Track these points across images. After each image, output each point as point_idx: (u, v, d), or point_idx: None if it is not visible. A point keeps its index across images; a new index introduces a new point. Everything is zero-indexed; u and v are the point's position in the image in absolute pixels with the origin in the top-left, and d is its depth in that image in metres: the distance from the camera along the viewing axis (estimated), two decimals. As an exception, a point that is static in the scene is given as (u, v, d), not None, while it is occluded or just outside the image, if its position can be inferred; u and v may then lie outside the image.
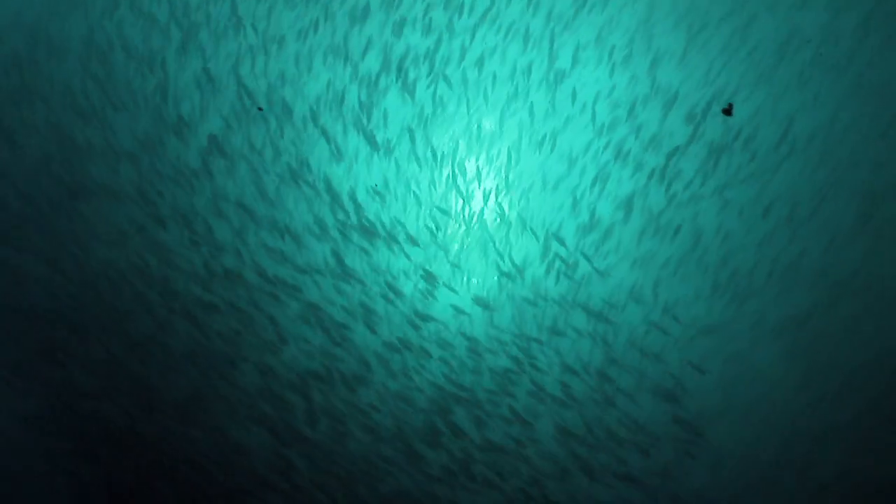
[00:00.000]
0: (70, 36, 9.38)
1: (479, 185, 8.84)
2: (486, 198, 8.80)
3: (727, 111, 7.77)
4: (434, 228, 8.83)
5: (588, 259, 8.61)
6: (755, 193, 8.15)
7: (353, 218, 8.77)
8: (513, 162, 8.75)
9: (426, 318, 8.71)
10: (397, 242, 8.78)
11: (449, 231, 8.85)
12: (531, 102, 8.63)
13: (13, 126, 9.44)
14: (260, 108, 8.83)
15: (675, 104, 8.32)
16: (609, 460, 8.45)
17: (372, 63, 8.84)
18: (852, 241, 7.98)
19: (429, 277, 8.73)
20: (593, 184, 8.59)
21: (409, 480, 8.65)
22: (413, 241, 8.77)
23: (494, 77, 8.68)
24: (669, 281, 8.39)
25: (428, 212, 8.79)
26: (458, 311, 8.77)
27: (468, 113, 8.76)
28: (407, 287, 8.78)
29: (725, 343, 8.26)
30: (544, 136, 8.65)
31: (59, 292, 9.30)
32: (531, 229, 8.72)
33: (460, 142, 8.82)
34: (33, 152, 9.42)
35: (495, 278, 8.80)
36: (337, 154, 8.84)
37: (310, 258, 8.87)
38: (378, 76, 8.81)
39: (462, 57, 8.70)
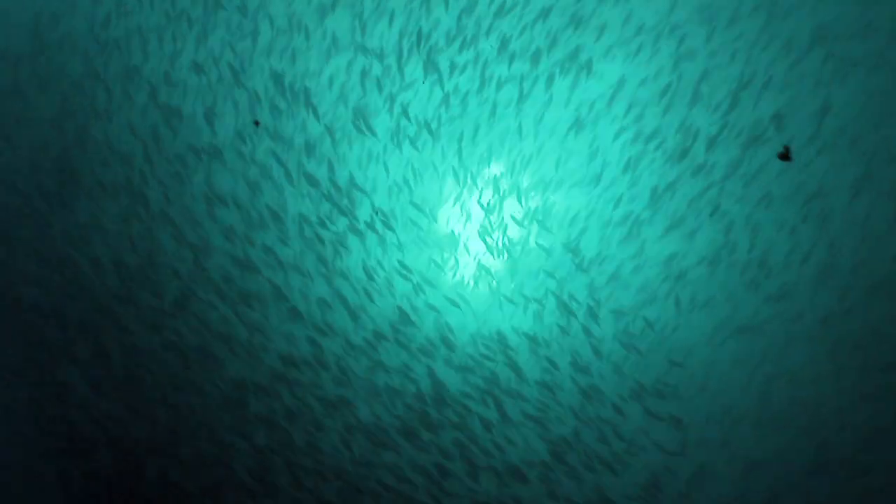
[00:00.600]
0: (73, 28, 9.13)
1: (492, 178, 8.55)
2: (499, 192, 8.50)
3: (784, 156, 7.45)
4: (432, 224, 8.54)
5: (608, 259, 8.30)
6: (787, 188, 7.89)
7: (348, 211, 8.49)
8: (531, 156, 8.47)
9: (416, 313, 8.43)
10: (387, 238, 8.50)
11: (451, 227, 8.55)
12: (552, 93, 8.36)
13: (8, 120, 9.22)
14: (256, 123, 8.54)
15: (704, 97, 8.08)
16: (626, 467, 8.05)
17: (386, 45, 8.57)
18: (887, 236, 7.72)
19: (423, 276, 8.43)
20: (616, 180, 8.31)
21: (388, 477, 8.28)
22: (413, 238, 8.50)
23: (513, 63, 8.43)
24: (699, 279, 8.08)
25: (424, 206, 8.52)
26: (452, 308, 8.47)
27: (485, 104, 8.50)
28: (399, 284, 8.48)
29: (758, 344, 7.93)
30: (567, 129, 8.37)
31: (50, 288, 8.99)
32: (549, 226, 8.42)
33: (477, 135, 8.53)
34: (28, 146, 9.15)
35: (509, 278, 8.48)
36: (337, 146, 8.56)
37: (306, 254, 8.56)
38: (392, 60, 8.54)
39: (480, 43, 8.45)
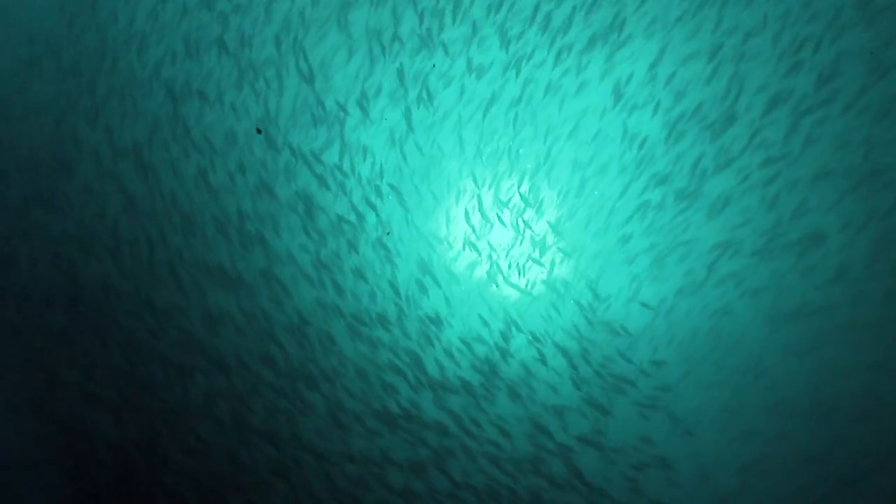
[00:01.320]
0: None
1: (522, 159, 8.13)
2: (528, 175, 8.09)
3: None
4: (447, 207, 8.18)
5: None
6: (840, 163, 7.44)
7: (350, 191, 8.14)
8: (565, 136, 8.06)
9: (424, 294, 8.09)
10: (395, 220, 8.16)
11: (469, 211, 8.12)
12: (588, 68, 7.94)
13: (16, 109, 9.06)
14: (259, 131, 8.18)
15: (747, 71, 7.66)
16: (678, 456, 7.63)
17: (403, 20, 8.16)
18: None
19: (423, 269, 8.04)
20: (656, 159, 7.86)
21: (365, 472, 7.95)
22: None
23: (543, 36, 8.01)
24: (747, 263, 7.63)
25: (442, 189, 8.15)
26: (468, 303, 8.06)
27: (514, 80, 8.08)
28: (406, 266, 8.15)
29: (812, 330, 7.47)
30: (603, 106, 7.93)
31: (51, 285, 8.66)
32: (580, 209, 8.00)
33: (507, 113, 8.11)
34: (28, 147, 8.95)
35: (538, 268, 8.06)
36: (346, 127, 8.17)
37: (304, 239, 8.22)
38: (412, 33, 8.14)
39: (510, 15, 8.05)
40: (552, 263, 8.04)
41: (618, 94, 7.87)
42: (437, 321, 7.98)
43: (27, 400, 8.78)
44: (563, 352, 7.83)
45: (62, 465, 8.69)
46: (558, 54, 7.97)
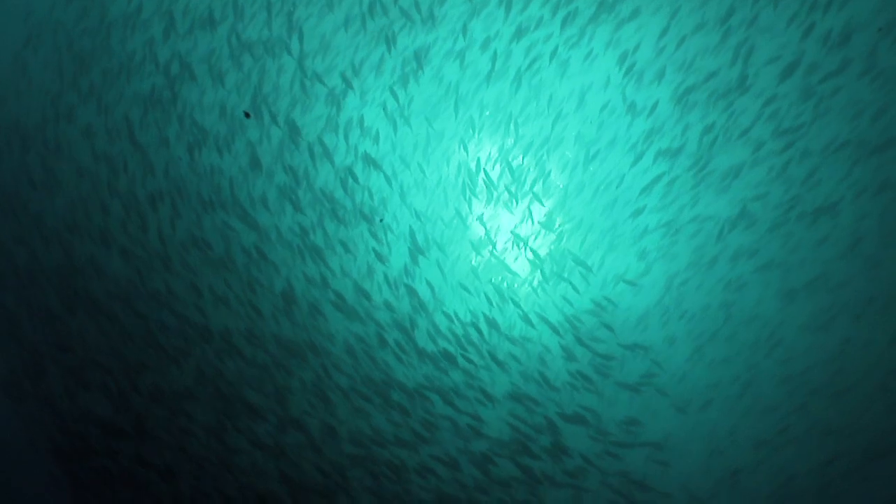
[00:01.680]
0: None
1: (523, 138, 7.94)
2: (531, 152, 7.89)
3: None
4: (448, 185, 7.96)
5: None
6: (855, 132, 7.25)
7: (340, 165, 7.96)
8: (568, 113, 7.89)
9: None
10: (393, 195, 7.93)
11: (469, 188, 7.90)
12: (592, 41, 7.80)
13: (11, 90, 8.96)
14: (247, 115, 8.04)
15: (759, 40, 7.51)
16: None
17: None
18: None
19: (415, 247, 7.83)
20: (665, 131, 7.68)
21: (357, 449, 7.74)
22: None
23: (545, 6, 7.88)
24: (760, 235, 7.40)
25: (444, 166, 7.92)
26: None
27: (516, 54, 7.93)
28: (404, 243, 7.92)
29: (827, 303, 7.21)
30: (608, 78, 7.77)
31: (39, 261, 8.46)
32: (585, 187, 7.79)
33: (508, 89, 7.95)
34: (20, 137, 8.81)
35: (552, 238, 7.83)
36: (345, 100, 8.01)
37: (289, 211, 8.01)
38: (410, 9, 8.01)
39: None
40: (556, 239, 7.83)
41: (625, 66, 7.70)
42: (428, 297, 7.74)
43: (18, 383, 8.52)
44: (562, 328, 7.57)
45: (55, 447, 8.42)
46: (563, 25, 7.82)
